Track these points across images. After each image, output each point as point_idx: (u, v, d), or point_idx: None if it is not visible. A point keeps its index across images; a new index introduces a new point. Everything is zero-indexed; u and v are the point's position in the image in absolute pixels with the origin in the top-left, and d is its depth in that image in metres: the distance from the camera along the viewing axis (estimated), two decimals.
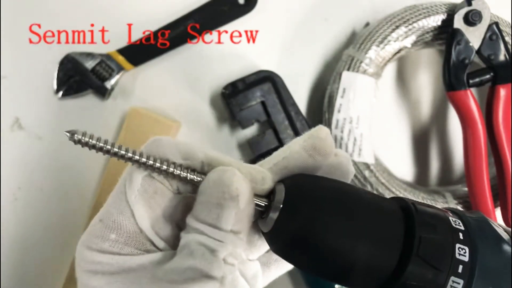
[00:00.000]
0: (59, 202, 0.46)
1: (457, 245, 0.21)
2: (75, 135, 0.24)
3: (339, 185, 0.23)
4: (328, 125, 0.44)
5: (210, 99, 0.47)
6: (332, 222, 0.21)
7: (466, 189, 0.44)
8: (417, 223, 0.21)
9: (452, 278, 0.20)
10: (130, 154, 0.24)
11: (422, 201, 0.27)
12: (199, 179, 0.23)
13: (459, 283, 0.20)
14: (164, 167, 0.23)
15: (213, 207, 0.23)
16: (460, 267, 0.21)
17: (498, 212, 0.43)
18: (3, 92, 0.46)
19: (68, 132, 0.24)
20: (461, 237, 0.21)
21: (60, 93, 0.45)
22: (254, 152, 0.44)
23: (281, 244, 0.23)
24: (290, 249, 0.22)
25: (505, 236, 0.22)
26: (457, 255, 0.21)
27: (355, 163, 0.43)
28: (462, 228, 0.22)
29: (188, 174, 0.23)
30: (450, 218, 0.22)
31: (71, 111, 0.46)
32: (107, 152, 0.24)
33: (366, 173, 0.43)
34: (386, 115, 0.49)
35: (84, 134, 0.25)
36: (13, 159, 0.46)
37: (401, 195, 0.43)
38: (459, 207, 0.44)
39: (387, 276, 0.21)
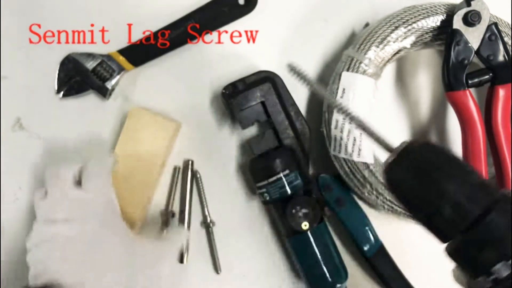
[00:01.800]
0: None
1: None
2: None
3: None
4: (328, 125, 0.44)
5: (210, 99, 0.47)
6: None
7: None
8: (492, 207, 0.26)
9: (503, 263, 0.25)
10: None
11: None
12: None
13: (507, 270, 0.25)
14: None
15: None
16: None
17: None
18: (4, 93, 0.46)
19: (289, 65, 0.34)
20: None
21: (61, 93, 0.45)
22: (254, 152, 0.44)
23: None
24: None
25: None
26: None
27: (354, 163, 0.43)
28: None
29: None
30: None
31: (72, 111, 0.46)
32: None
33: (366, 173, 0.43)
34: (386, 116, 0.49)
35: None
36: (14, 159, 0.46)
37: None
38: None
39: (468, 223, 0.26)
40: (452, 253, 0.28)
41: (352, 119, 0.33)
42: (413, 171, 0.29)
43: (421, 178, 0.28)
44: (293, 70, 0.34)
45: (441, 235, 0.28)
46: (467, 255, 0.27)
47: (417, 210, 0.29)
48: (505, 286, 0.25)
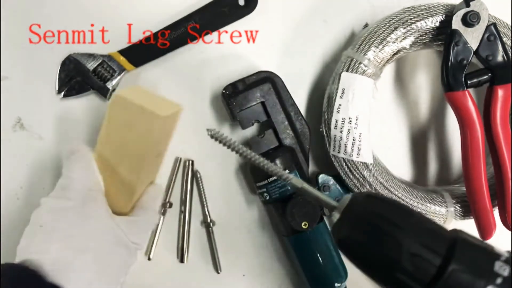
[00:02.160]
0: None
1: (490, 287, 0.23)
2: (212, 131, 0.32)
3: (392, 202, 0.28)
4: (327, 125, 0.44)
5: (210, 100, 0.47)
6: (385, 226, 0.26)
7: (464, 189, 0.45)
8: (454, 254, 0.25)
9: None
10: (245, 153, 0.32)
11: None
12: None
13: None
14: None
15: None
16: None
17: (496, 212, 0.44)
18: (5, 93, 0.46)
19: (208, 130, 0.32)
20: (498, 282, 0.23)
21: (62, 93, 0.45)
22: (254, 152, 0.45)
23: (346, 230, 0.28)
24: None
25: None
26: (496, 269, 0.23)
27: (354, 163, 0.43)
28: (505, 274, 0.24)
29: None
30: (497, 262, 0.24)
31: (72, 111, 0.46)
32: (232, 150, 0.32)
33: (365, 173, 0.43)
34: (385, 116, 0.49)
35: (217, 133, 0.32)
36: (15, 159, 0.46)
37: (399, 195, 0.44)
38: (457, 207, 0.44)
39: (430, 276, 0.24)
40: None
41: (286, 179, 0.30)
42: (361, 226, 0.27)
43: (371, 232, 0.26)
44: (213, 136, 0.32)
45: None
46: None
47: (374, 270, 0.27)
48: None
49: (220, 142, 0.32)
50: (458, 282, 0.24)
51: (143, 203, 0.43)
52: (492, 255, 0.25)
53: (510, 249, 0.26)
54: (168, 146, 0.44)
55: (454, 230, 0.27)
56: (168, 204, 0.47)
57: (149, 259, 0.47)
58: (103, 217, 0.38)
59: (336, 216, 0.28)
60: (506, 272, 0.24)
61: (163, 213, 0.47)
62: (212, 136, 0.32)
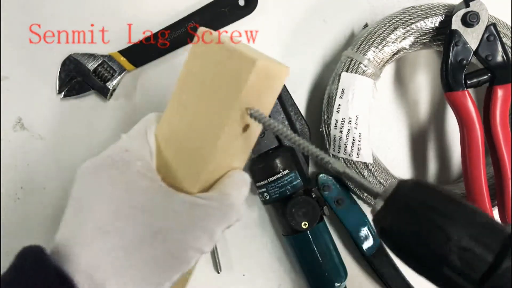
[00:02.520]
0: (61, 201, 0.46)
1: None
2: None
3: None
4: (327, 125, 0.44)
5: None
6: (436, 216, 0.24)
7: (463, 188, 0.45)
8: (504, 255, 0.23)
9: None
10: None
11: None
12: None
13: None
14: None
15: None
16: None
17: (496, 212, 0.44)
18: (6, 93, 0.46)
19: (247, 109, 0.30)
20: None
21: (62, 93, 0.45)
22: (254, 152, 0.45)
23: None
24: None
25: None
26: None
27: (354, 163, 0.43)
28: None
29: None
30: None
31: (73, 111, 0.46)
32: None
33: (365, 172, 0.43)
34: (385, 116, 0.49)
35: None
36: (16, 159, 0.46)
37: None
38: None
39: (481, 272, 0.23)
40: None
41: (327, 163, 0.29)
42: (407, 216, 0.25)
43: (418, 223, 0.25)
44: (253, 115, 0.30)
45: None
46: None
47: (420, 264, 0.25)
48: None
49: (259, 122, 0.30)
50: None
51: (221, 186, 0.32)
52: None
53: None
54: (267, 115, 0.33)
55: (510, 226, 0.26)
56: None
57: None
58: (139, 189, 0.29)
59: (379, 203, 0.26)
60: None
61: None
62: (251, 115, 0.30)
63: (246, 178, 0.34)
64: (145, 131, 0.32)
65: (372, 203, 0.27)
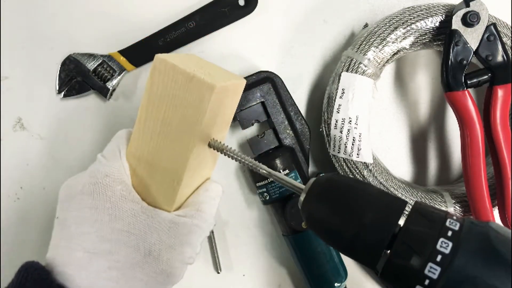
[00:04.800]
0: None
1: (441, 239, 0.25)
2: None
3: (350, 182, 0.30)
4: (327, 125, 0.44)
5: None
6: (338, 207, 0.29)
7: (464, 189, 0.45)
8: (408, 217, 0.27)
9: (430, 264, 0.25)
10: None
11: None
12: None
13: (436, 270, 0.24)
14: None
15: None
16: (439, 256, 0.25)
17: (496, 212, 0.44)
18: (5, 93, 0.46)
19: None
20: (449, 234, 0.25)
21: (62, 93, 0.45)
22: (254, 152, 0.45)
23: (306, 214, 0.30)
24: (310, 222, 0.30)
25: (502, 247, 0.24)
26: (438, 247, 0.25)
27: (354, 163, 0.43)
28: (456, 228, 0.25)
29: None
30: (449, 219, 0.26)
31: (73, 111, 0.46)
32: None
33: (365, 172, 0.43)
34: (385, 116, 0.49)
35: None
36: (15, 159, 0.46)
37: (399, 195, 0.44)
38: (457, 207, 0.44)
39: (381, 252, 0.27)
40: (384, 273, 0.27)
41: (256, 168, 0.34)
42: (325, 199, 0.29)
43: (334, 203, 0.29)
44: (211, 145, 0.36)
45: (368, 257, 0.28)
46: (397, 269, 0.26)
47: (339, 238, 0.28)
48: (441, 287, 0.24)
49: (218, 150, 0.34)
50: (414, 237, 0.26)
51: (197, 203, 0.35)
52: (444, 215, 0.27)
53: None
54: (227, 128, 0.38)
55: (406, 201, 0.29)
56: None
57: None
58: (123, 213, 0.32)
59: (303, 196, 0.31)
60: (457, 227, 0.26)
61: None
62: (210, 146, 0.34)
63: (220, 190, 0.39)
64: (119, 151, 0.35)
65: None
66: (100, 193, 0.32)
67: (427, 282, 0.25)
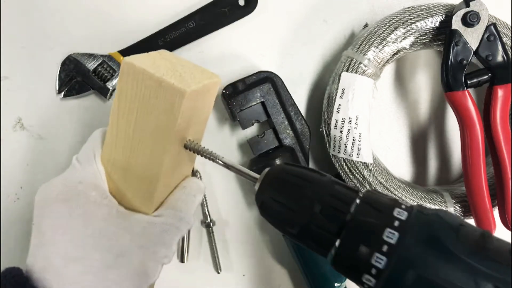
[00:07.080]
0: None
1: (387, 229, 0.25)
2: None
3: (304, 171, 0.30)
4: (327, 125, 0.44)
5: None
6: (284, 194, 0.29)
7: (464, 189, 0.45)
8: (357, 207, 0.27)
9: (376, 254, 0.25)
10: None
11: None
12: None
13: (382, 259, 0.25)
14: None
15: None
16: (385, 247, 0.25)
17: (496, 212, 0.44)
18: (5, 93, 0.46)
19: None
20: (395, 224, 0.26)
21: (62, 93, 0.45)
22: (254, 152, 0.45)
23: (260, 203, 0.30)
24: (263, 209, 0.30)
25: (444, 234, 0.25)
26: (384, 237, 0.25)
27: (354, 163, 0.43)
28: (403, 218, 0.26)
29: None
30: (396, 208, 0.27)
31: (73, 111, 0.46)
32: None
33: (365, 172, 0.43)
34: (385, 116, 0.49)
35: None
36: (15, 159, 0.46)
37: (399, 195, 0.44)
38: (457, 207, 0.44)
39: (331, 241, 0.27)
40: (334, 262, 0.27)
41: (214, 159, 0.34)
42: (276, 188, 0.29)
43: (285, 192, 0.29)
44: (187, 146, 0.35)
45: (319, 246, 0.28)
46: (346, 258, 0.26)
47: (291, 227, 0.28)
48: (387, 277, 0.24)
49: (194, 152, 0.34)
50: (361, 228, 0.26)
51: (172, 201, 0.35)
52: (392, 204, 0.27)
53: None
54: (204, 127, 0.38)
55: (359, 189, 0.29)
56: None
57: None
58: (95, 218, 0.32)
59: (257, 185, 0.31)
60: (404, 216, 0.26)
61: None
62: (186, 147, 0.34)
63: (200, 186, 0.38)
64: (93, 155, 0.35)
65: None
66: (73, 201, 0.32)
67: (373, 271, 0.25)
